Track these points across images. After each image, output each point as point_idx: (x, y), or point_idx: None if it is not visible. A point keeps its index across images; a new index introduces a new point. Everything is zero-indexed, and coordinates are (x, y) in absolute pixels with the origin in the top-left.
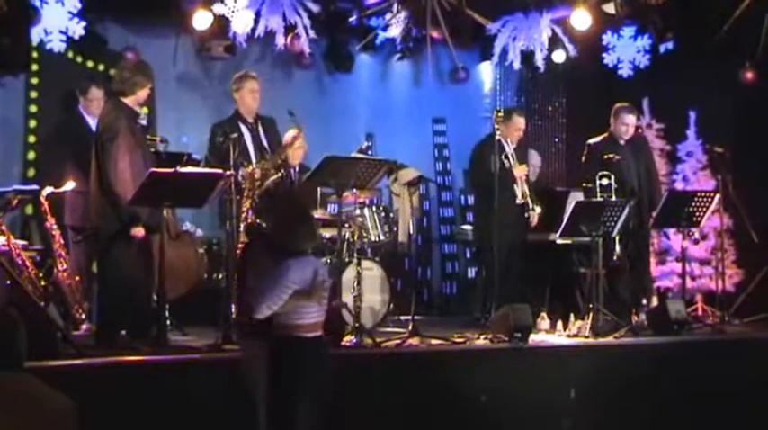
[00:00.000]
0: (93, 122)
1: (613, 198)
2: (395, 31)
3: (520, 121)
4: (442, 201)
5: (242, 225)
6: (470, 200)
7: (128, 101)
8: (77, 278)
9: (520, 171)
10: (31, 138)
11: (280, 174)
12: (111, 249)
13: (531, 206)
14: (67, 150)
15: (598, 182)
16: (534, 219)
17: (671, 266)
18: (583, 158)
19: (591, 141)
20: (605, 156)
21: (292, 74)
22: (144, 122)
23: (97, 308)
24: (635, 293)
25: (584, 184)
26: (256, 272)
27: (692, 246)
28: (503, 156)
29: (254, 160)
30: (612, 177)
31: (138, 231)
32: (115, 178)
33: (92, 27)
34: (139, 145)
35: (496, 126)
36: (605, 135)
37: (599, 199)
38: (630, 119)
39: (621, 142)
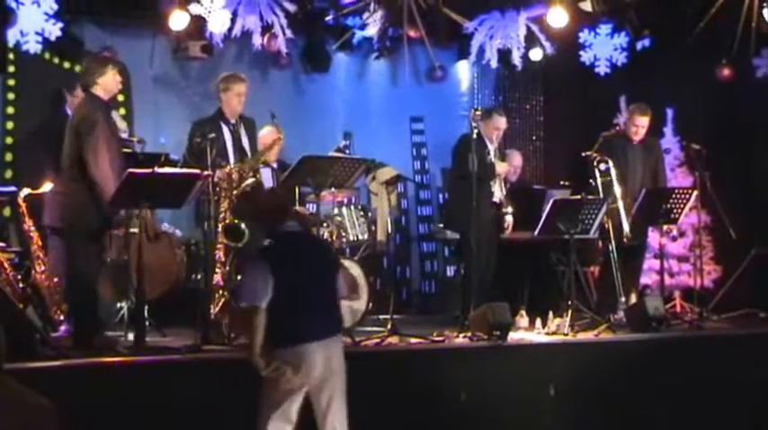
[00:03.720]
0: None
1: (616, 187)
2: (372, 30)
3: (499, 121)
4: (421, 200)
5: (220, 226)
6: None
7: (96, 92)
8: (56, 280)
9: (501, 167)
10: (8, 140)
11: (254, 179)
12: (82, 248)
13: (505, 206)
14: (52, 149)
15: (596, 167)
16: (509, 226)
17: (649, 263)
18: (595, 147)
19: (604, 133)
20: (584, 154)
21: (269, 74)
22: (124, 135)
23: (71, 309)
24: (624, 289)
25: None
26: None
27: (670, 243)
28: (485, 152)
29: (232, 161)
30: (611, 162)
31: None
32: (97, 170)
33: (68, 28)
34: (115, 136)
35: (474, 124)
36: (620, 130)
37: (601, 185)
38: (641, 121)
39: (633, 141)
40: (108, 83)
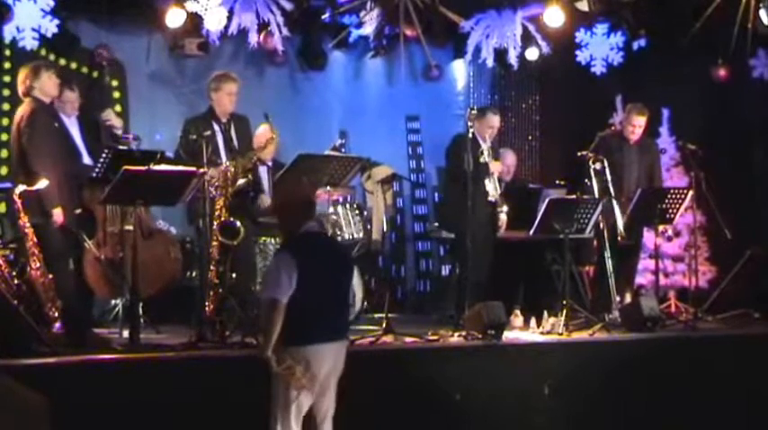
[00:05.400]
0: (68, 122)
1: (611, 187)
2: (368, 28)
3: (493, 120)
4: (416, 199)
5: (215, 223)
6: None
7: (37, 95)
8: (50, 276)
9: (495, 167)
10: (4, 137)
11: (248, 178)
12: (46, 245)
13: (500, 205)
14: None
15: (591, 167)
16: (502, 224)
17: (644, 263)
18: (591, 146)
19: (600, 133)
20: (579, 153)
21: (265, 72)
22: (119, 132)
23: (62, 306)
24: (618, 289)
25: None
26: None
27: (665, 243)
28: (479, 152)
29: (224, 159)
30: (605, 161)
31: (58, 215)
32: (41, 168)
33: (65, 25)
34: (60, 135)
35: (470, 123)
36: (617, 130)
37: (595, 187)
38: (639, 120)
39: (630, 141)
40: (45, 85)
